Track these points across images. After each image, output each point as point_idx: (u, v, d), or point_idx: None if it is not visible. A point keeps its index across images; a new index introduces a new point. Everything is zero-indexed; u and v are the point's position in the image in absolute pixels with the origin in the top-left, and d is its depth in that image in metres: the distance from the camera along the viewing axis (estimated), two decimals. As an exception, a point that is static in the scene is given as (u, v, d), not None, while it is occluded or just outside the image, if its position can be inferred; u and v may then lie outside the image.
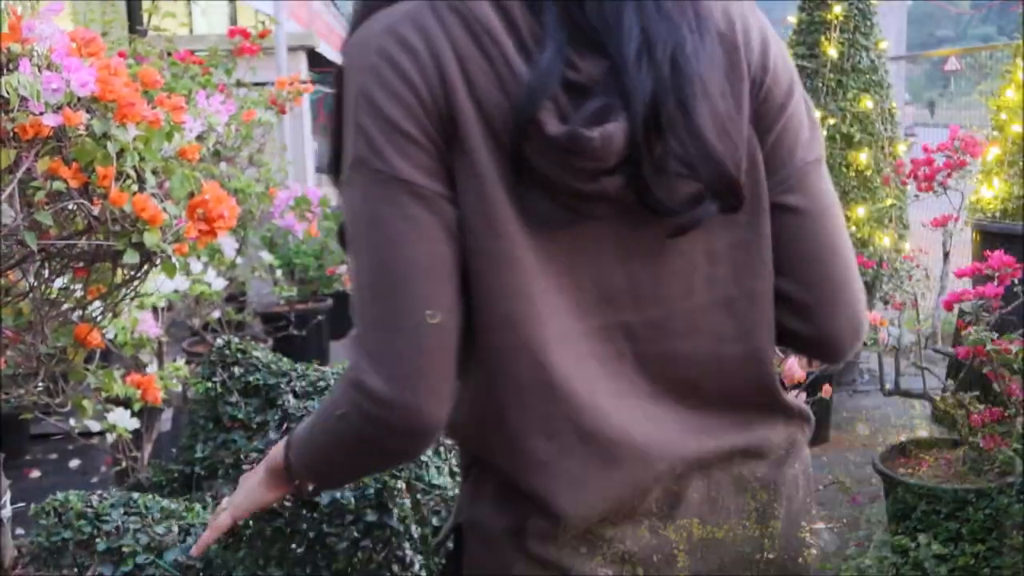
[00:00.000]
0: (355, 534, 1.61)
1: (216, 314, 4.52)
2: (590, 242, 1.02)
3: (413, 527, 1.69)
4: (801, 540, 1.13)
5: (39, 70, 1.74)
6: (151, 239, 1.80)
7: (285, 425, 1.95)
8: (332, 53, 16.55)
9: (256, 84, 4.35)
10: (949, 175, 3.52)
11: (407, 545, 1.63)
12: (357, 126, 0.98)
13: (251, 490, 1.29)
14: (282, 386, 2.06)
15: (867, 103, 5.18)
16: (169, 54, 3.83)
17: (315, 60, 13.35)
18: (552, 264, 1.01)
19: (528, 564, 1.04)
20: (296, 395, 2.06)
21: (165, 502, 1.70)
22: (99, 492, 1.73)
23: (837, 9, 5.19)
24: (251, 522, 1.54)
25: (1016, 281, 3.16)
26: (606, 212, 1.00)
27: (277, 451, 1.22)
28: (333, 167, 1.06)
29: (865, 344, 3.24)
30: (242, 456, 1.93)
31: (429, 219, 0.97)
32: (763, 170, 1.05)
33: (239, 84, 4.12)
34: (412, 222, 0.97)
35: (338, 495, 1.60)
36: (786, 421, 1.14)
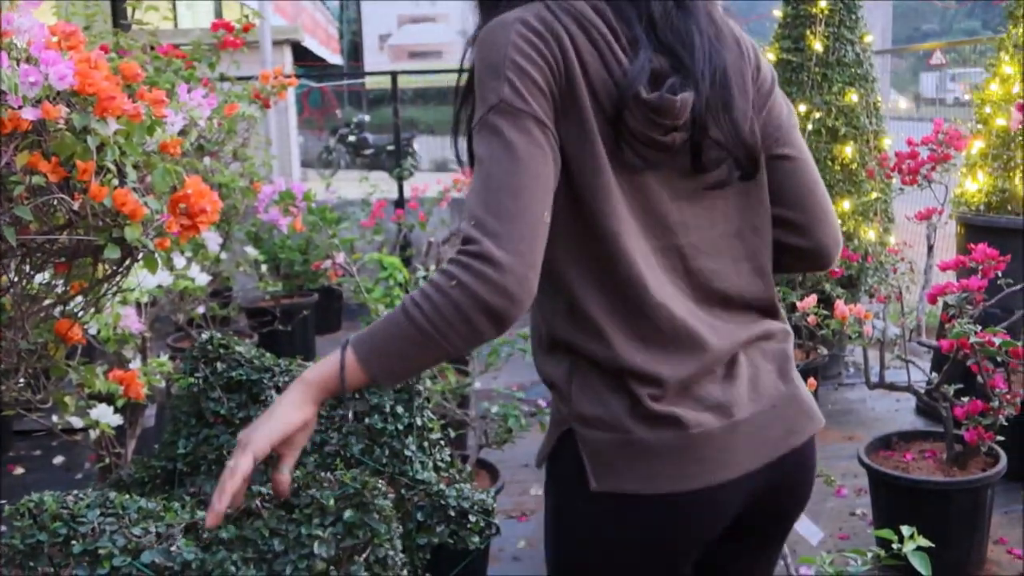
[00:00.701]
0: (335, 534, 1.59)
1: (200, 309, 4.50)
2: (654, 185, 1.40)
3: (395, 525, 1.67)
4: (812, 405, 1.53)
5: (17, 63, 1.72)
6: (132, 234, 1.79)
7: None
8: (317, 47, 16.49)
9: (240, 78, 4.33)
10: (933, 168, 3.53)
11: (387, 545, 1.62)
12: (507, 79, 1.32)
13: (279, 416, 1.33)
14: (265, 381, 2.05)
15: (852, 97, 5.18)
16: (152, 48, 3.81)
17: (300, 54, 13.30)
18: (631, 198, 1.39)
19: (646, 423, 1.36)
20: (279, 390, 2.05)
21: (143, 502, 1.66)
22: (75, 492, 1.68)
23: (822, 3, 5.19)
24: (229, 526, 1.53)
25: (1000, 274, 3.18)
26: (668, 164, 1.39)
27: (323, 366, 1.34)
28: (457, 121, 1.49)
29: (850, 337, 3.25)
30: (225, 452, 1.92)
31: (548, 148, 1.32)
32: (760, 137, 1.45)
33: (223, 78, 4.10)
34: (540, 148, 1.31)
35: (317, 494, 1.58)
36: (780, 319, 1.54)
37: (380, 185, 7.44)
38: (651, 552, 1.40)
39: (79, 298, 2.12)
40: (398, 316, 1.28)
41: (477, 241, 1.26)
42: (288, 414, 1.32)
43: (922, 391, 3.39)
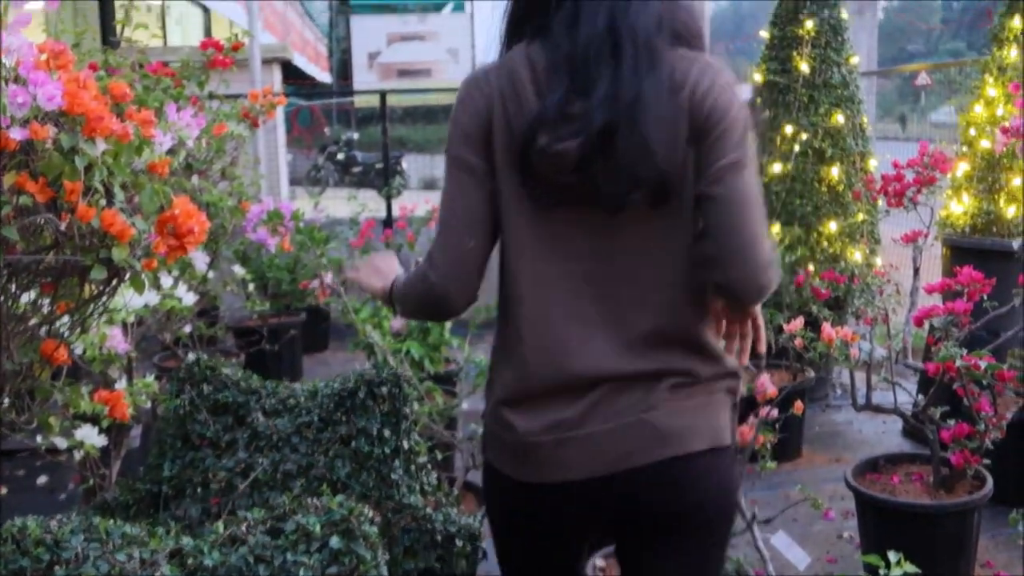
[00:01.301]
0: (321, 561, 1.58)
1: (187, 329, 4.48)
2: (564, 216, 1.59)
3: (382, 552, 1.66)
4: (679, 426, 1.60)
5: (5, 83, 1.72)
6: (119, 254, 1.78)
7: (254, 444, 1.93)
8: (307, 65, 16.51)
9: (229, 96, 4.32)
10: (919, 191, 3.55)
11: (374, 572, 1.60)
12: (450, 130, 1.65)
13: (371, 275, 1.89)
14: (251, 404, 2.04)
15: (839, 118, 5.21)
16: (141, 66, 3.80)
17: (290, 72, 13.31)
18: (540, 229, 1.60)
19: (498, 422, 1.67)
20: (265, 413, 2.04)
21: (127, 527, 1.64)
22: (59, 517, 1.66)
23: (809, 25, 5.23)
24: (214, 552, 1.51)
25: (985, 297, 3.19)
26: (574, 198, 1.57)
27: (390, 274, 1.85)
28: None
29: (836, 359, 3.26)
30: (210, 475, 1.91)
31: (474, 186, 1.62)
32: (691, 173, 1.55)
33: (211, 96, 4.09)
34: (461, 189, 1.62)
35: (303, 520, 1.57)
36: (700, 352, 1.63)
37: (369, 204, 7.43)
38: (512, 513, 1.75)
39: (65, 318, 2.11)
40: (405, 281, 1.78)
41: (425, 261, 1.70)
42: (374, 284, 1.86)
43: (909, 413, 3.40)
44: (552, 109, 1.54)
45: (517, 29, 1.66)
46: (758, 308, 1.71)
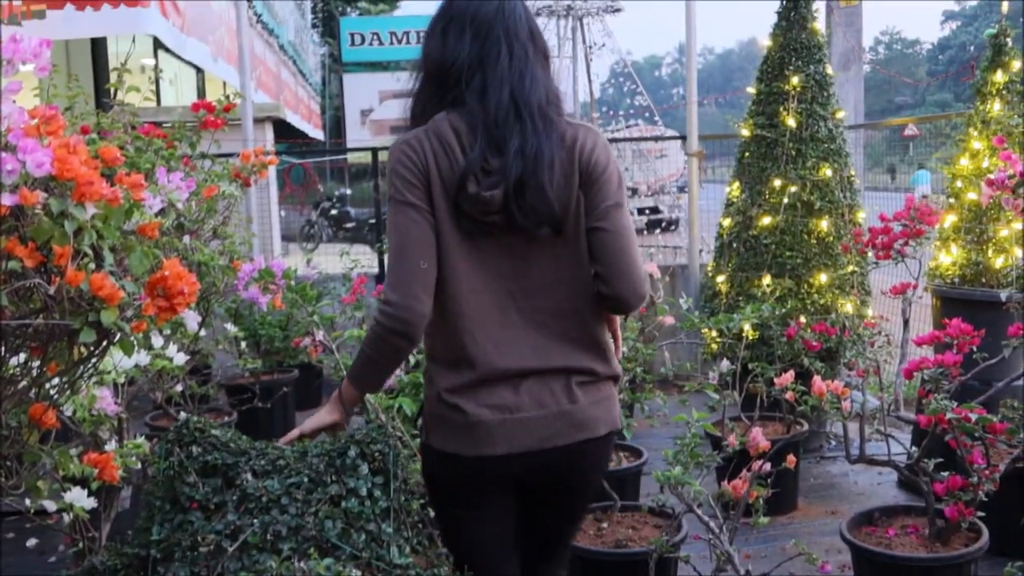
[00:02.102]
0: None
1: (179, 387, 4.47)
2: (489, 245, 2.05)
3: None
4: (591, 416, 2.10)
5: (-4, 150, 1.73)
6: (108, 318, 1.79)
7: (243, 506, 1.92)
8: (300, 123, 16.63)
9: (221, 155, 4.35)
10: (906, 243, 3.58)
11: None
12: (392, 181, 2.03)
13: (319, 416, 2.21)
14: (241, 465, 2.03)
15: (826, 171, 5.26)
16: (134, 127, 3.83)
17: (282, 129, 13.41)
18: (472, 253, 2.04)
19: (443, 407, 2.08)
20: (255, 474, 2.03)
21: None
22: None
23: (795, 80, 5.30)
24: None
25: (975, 348, 3.20)
26: (498, 231, 2.03)
27: (340, 388, 2.18)
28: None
29: (826, 411, 3.26)
30: (199, 538, 1.89)
31: (421, 221, 2.02)
32: (584, 211, 2.05)
33: (203, 156, 4.13)
34: (413, 222, 2.01)
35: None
36: (598, 354, 2.13)
37: (361, 259, 7.45)
38: (450, 485, 2.17)
39: (55, 380, 2.11)
40: (360, 349, 2.12)
41: (384, 290, 2.03)
42: (322, 416, 2.21)
43: (903, 465, 3.39)
44: (475, 163, 2.00)
45: (434, 103, 2.10)
46: (618, 320, 2.24)
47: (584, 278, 2.08)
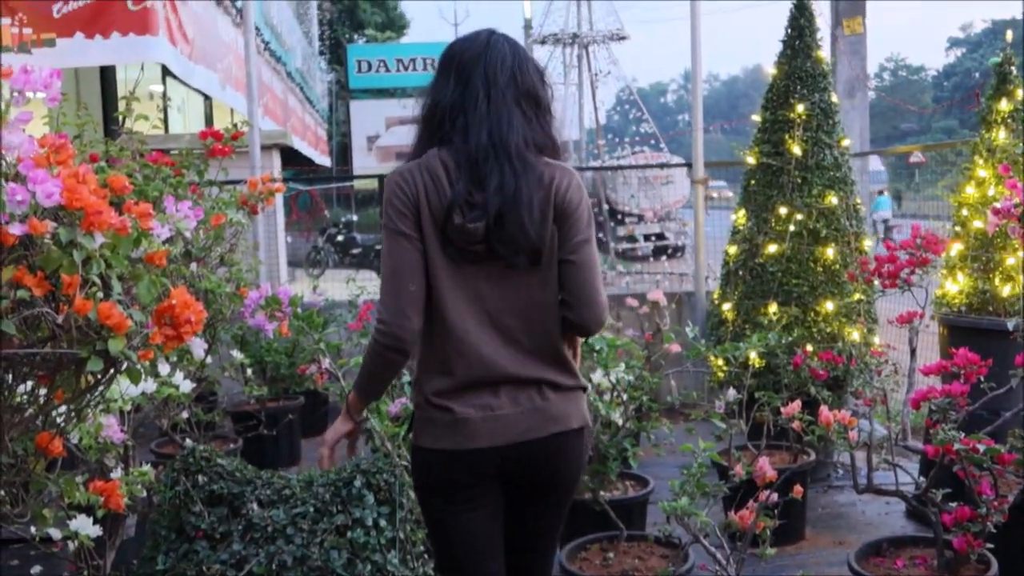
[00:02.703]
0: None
1: (185, 414, 4.47)
2: (472, 269, 2.27)
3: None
4: (562, 412, 2.33)
5: (5, 180, 1.74)
6: (116, 347, 1.79)
7: (249, 536, 1.91)
8: (307, 149, 16.70)
9: (228, 182, 4.37)
10: (912, 272, 3.57)
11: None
12: (386, 211, 2.26)
13: (334, 427, 2.40)
14: (247, 495, 2.02)
15: (832, 199, 5.26)
16: (142, 155, 3.86)
17: (289, 155, 13.46)
18: (456, 276, 2.26)
19: (431, 408, 2.27)
20: (261, 503, 2.03)
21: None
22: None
23: (800, 108, 5.30)
24: None
25: (982, 378, 3.19)
26: (481, 259, 2.25)
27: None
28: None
29: (833, 440, 3.24)
30: (205, 568, 1.89)
31: (411, 248, 2.24)
32: (556, 244, 2.27)
33: (211, 184, 4.14)
34: (403, 248, 2.23)
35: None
36: (563, 367, 2.35)
37: (367, 286, 7.45)
38: (440, 481, 2.32)
39: (62, 408, 2.11)
40: (362, 362, 2.37)
41: (378, 310, 2.26)
42: (338, 427, 2.39)
43: (911, 495, 3.37)
44: (459, 196, 2.21)
45: (427, 141, 2.33)
46: (579, 340, 2.47)
47: (553, 302, 2.32)
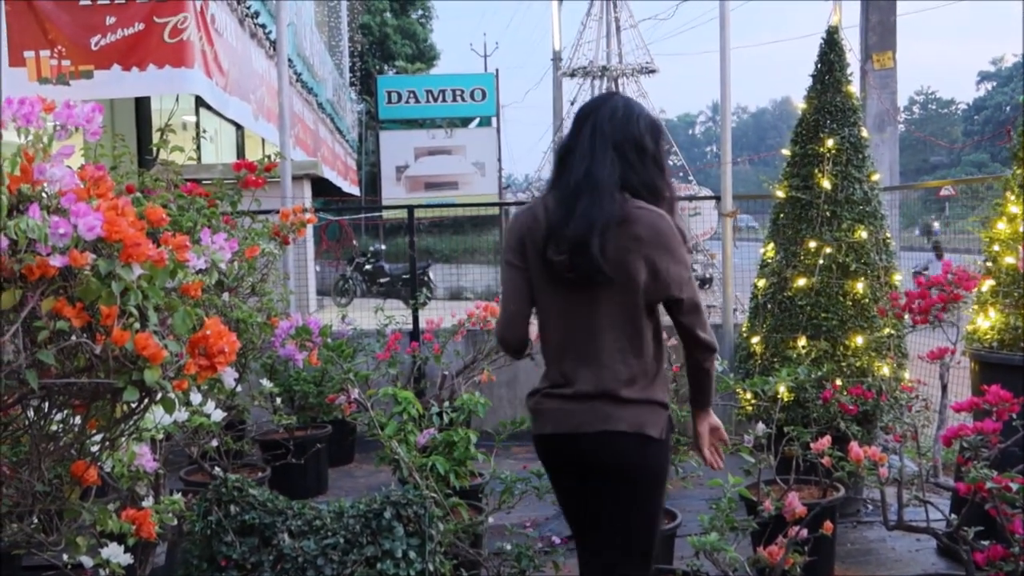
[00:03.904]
0: None
1: (214, 443, 4.50)
2: (567, 293, 2.64)
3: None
4: (614, 415, 2.63)
5: (48, 212, 1.78)
6: (151, 377, 1.82)
7: (279, 566, 1.93)
8: (336, 179, 16.84)
9: (260, 212, 4.42)
10: (944, 308, 3.55)
11: None
12: (504, 244, 2.76)
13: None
14: (278, 525, 2.04)
15: (862, 234, 5.24)
16: (176, 185, 3.91)
17: (319, 185, 13.57)
18: (555, 299, 2.68)
19: (536, 401, 2.76)
20: (291, 534, 2.04)
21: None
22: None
23: (829, 143, 5.30)
24: None
25: (1014, 416, 3.16)
26: (571, 283, 2.61)
27: None
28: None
29: (862, 477, 3.22)
30: (235, 598, 1.90)
31: (515, 276, 2.72)
32: (651, 279, 2.59)
33: (243, 214, 4.19)
34: (509, 277, 2.74)
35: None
36: (638, 391, 2.64)
37: (395, 316, 7.48)
38: (540, 458, 2.84)
39: (96, 436, 2.13)
40: None
41: (496, 325, 2.94)
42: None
43: (942, 532, 3.34)
44: (554, 231, 2.60)
45: (552, 180, 2.75)
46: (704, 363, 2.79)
47: (630, 326, 2.64)
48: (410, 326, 7.60)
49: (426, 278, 16.28)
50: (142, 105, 9.18)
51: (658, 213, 2.62)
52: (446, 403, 4.77)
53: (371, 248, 18.80)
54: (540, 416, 2.74)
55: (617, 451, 2.65)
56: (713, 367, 2.79)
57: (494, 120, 22.09)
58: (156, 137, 4.18)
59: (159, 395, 1.91)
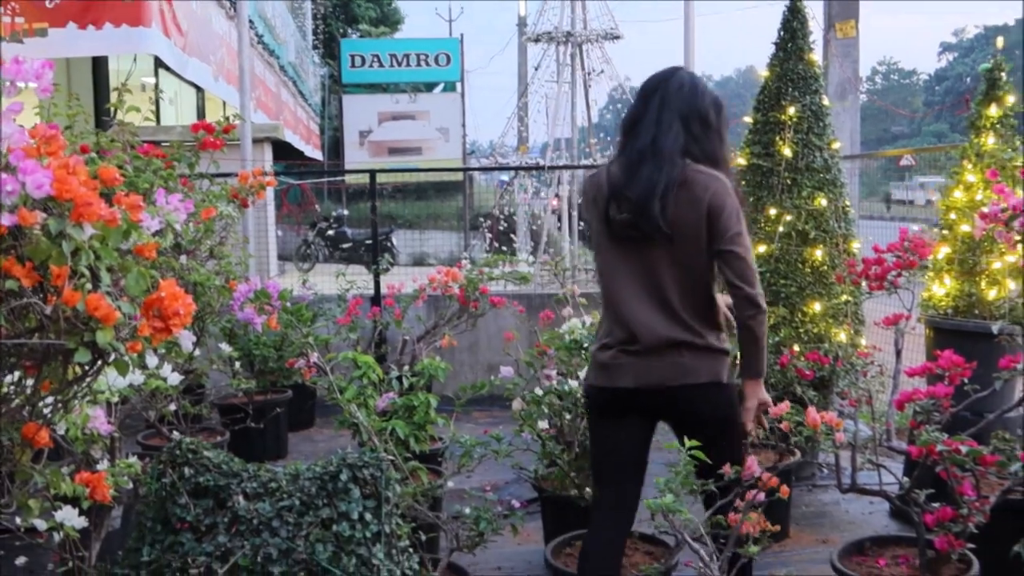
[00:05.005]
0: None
1: (172, 407, 4.47)
2: (629, 249, 2.91)
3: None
4: (691, 367, 2.90)
5: (-4, 170, 1.74)
6: (104, 338, 1.79)
7: (234, 528, 1.92)
8: (299, 143, 16.68)
9: (220, 175, 4.37)
10: (899, 275, 3.59)
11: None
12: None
13: None
14: (233, 487, 2.03)
15: (821, 201, 5.27)
16: (133, 147, 3.85)
17: (281, 148, 13.43)
18: (618, 255, 2.94)
19: (598, 353, 3.03)
20: (247, 496, 2.04)
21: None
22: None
23: (791, 111, 5.32)
24: None
25: (966, 380, 3.21)
26: (634, 240, 2.89)
27: None
28: None
29: (820, 441, 3.26)
30: (189, 560, 1.89)
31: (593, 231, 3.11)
32: (709, 236, 2.85)
33: (202, 176, 4.14)
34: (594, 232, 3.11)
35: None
36: (703, 339, 2.91)
37: (357, 280, 7.44)
38: (591, 405, 3.13)
39: (49, 398, 2.11)
40: None
41: None
42: None
43: (894, 495, 3.39)
44: (615, 192, 2.89)
45: (619, 147, 3.05)
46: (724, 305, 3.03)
47: (692, 278, 2.88)
48: (372, 291, 7.57)
49: (389, 244, 16.21)
50: (99, 66, 9.02)
51: (714, 175, 2.85)
52: (407, 368, 4.77)
53: (334, 213, 18.69)
54: (615, 370, 2.94)
55: (700, 400, 2.89)
56: (760, 329, 2.88)
57: (459, 85, 21.94)
58: (114, 97, 4.11)
59: (112, 357, 1.89)
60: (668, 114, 2.90)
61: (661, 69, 3.08)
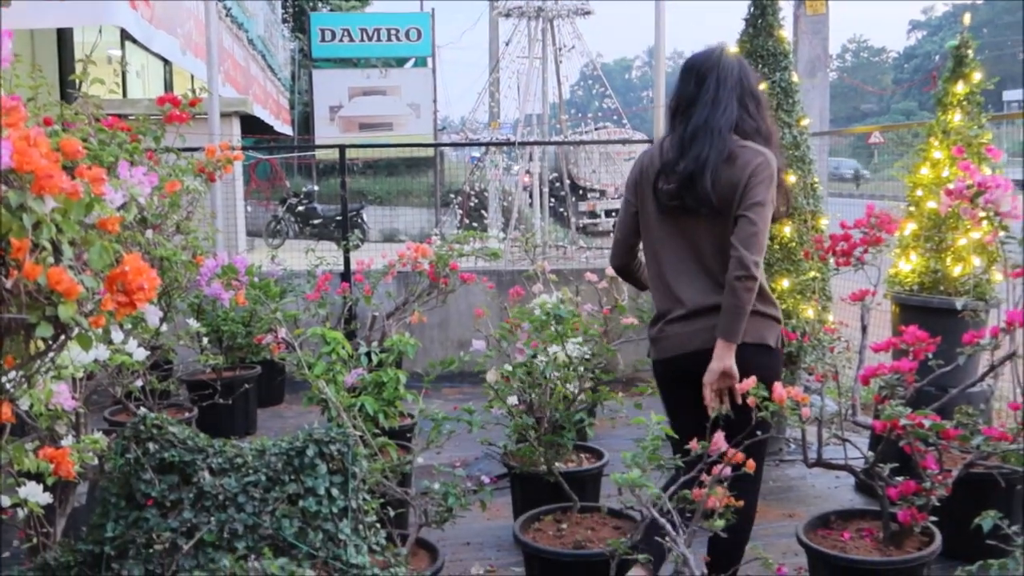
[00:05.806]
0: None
1: (139, 383, 4.44)
2: (673, 218, 3.13)
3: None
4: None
5: (-46, 142, 1.72)
6: (66, 312, 1.77)
7: (199, 504, 1.91)
8: (268, 117, 16.53)
9: (187, 149, 4.32)
10: (866, 251, 3.61)
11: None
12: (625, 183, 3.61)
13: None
14: (198, 463, 2.02)
15: (790, 178, 5.29)
16: (97, 120, 3.80)
17: (250, 123, 13.31)
18: (664, 227, 3.17)
19: (653, 329, 3.25)
20: (212, 471, 2.03)
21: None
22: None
23: (760, 87, 5.32)
24: None
25: (930, 355, 3.24)
26: (679, 212, 3.11)
27: None
28: None
29: (786, 416, 3.29)
30: (154, 535, 1.88)
31: (626, 209, 3.31)
32: (736, 204, 3.00)
33: (168, 150, 4.10)
34: (623, 209, 3.34)
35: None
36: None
37: (327, 257, 7.41)
38: (658, 380, 3.35)
39: (11, 374, 2.09)
40: None
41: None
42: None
43: (859, 469, 3.43)
44: (667, 166, 3.09)
45: (671, 126, 3.20)
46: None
47: (727, 243, 2.99)
48: (342, 267, 7.54)
49: (359, 220, 16.16)
50: (64, 37, 8.87)
51: (757, 150, 3.03)
52: (376, 344, 4.76)
53: (304, 189, 18.58)
54: (663, 342, 3.16)
55: (740, 362, 2.96)
56: (743, 296, 2.94)
57: (430, 61, 21.81)
58: (79, 69, 4.05)
59: (75, 331, 1.87)
60: (725, 93, 3.07)
61: (704, 49, 3.24)
